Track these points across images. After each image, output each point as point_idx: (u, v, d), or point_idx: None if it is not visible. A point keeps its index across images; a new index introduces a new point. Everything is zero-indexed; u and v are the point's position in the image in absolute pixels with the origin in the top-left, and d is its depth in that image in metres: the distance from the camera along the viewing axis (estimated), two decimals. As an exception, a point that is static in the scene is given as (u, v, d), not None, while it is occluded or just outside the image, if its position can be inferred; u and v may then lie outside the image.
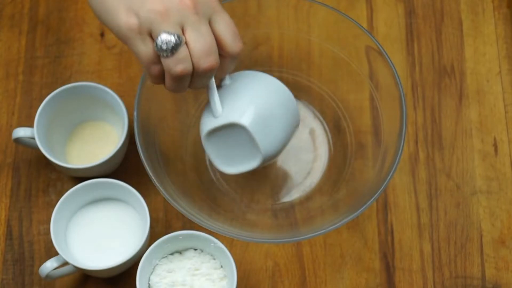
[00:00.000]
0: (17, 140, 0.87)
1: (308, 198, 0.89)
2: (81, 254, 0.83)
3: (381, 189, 0.78)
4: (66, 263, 0.81)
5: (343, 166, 0.89)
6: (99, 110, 0.90)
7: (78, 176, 0.89)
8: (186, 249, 0.83)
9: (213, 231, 0.78)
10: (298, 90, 0.93)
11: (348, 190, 0.86)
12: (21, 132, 0.86)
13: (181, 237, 0.82)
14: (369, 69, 0.87)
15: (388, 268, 0.87)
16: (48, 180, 0.90)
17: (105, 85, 0.88)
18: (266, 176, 0.90)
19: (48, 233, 0.86)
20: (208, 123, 0.77)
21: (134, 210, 0.85)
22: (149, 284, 0.82)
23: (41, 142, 0.85)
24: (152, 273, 0.82)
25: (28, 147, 0.88)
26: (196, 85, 0.71)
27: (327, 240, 0.88)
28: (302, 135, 0.91)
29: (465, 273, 0.86)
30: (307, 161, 0.91)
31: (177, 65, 0.68)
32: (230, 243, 0.86)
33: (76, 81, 0.94)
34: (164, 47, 0.67)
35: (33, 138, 0.85)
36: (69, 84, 0.88)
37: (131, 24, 0.67)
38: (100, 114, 0.91)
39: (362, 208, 0.78)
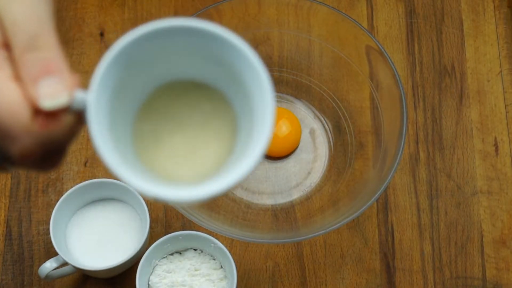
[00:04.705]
0: None
1: (308, 198, 0.89)
2: (81, 254, 0.83)
3: (381, 189, 0.78)
4: (65, 264, 0.81)
5: (343, 166, 0.89)
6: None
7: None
8: (186, 250, 0.83)
9: (213, 231, 0.78)
10: (298, 90, 0.93)
11: (348, 190, 0.86)
12: None
13: (181, 238, 0.82)
14: (369, 69, 0.87)
15: (389, 269, 0.87)
16: (47, 180, 0.90)
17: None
18: (266, 176, 0.90)
19: (48, 233, 0.86)
20: None
21: (134, 210, 0.85)
22: (148, 284, 0.82)
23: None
24: (151, 273, 0.82)
25: None
26: None
27: (327, 240, 0.88)
28: (302, 135, 0.91)
29: (465, 274, 0.86)
30: (307, 161, 0.91)
31: None
32: (230, 243, 0.86)
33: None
34: None
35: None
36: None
37: None
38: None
39: (362, 208, 0.77)
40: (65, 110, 0.41)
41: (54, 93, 0.41)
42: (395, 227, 0.88)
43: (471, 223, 0.88)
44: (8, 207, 0.89)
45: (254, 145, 0.43)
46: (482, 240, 0.88)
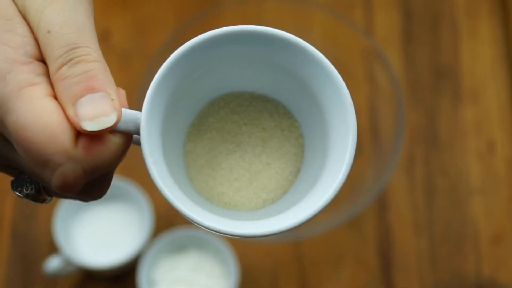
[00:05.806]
0: None
1: (307, 197, 0.89)
2: (85, 253, 0.84)
3: (379, 188, 0.79)
4: (69, 262, 0.82)
5: (341, 165, 0.90)
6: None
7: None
8: (188, 247, 0.84)
9: (214, 229, 0.78)
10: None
11: (347, 189, 0.87)
12: None
13: (183, 235, 0.82)
14: (367, 70, 0.87)
15: (386, 266, 0.87)
16: (51, 180, 0.90)
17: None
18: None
19: (52, 232, 0.87)
20: None
21: (137, 208, 0.86)
22: (151, 281, 0.83)
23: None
24: (154, 270, 0.83)
25: None
26: None
27: (326, 238, 0.88)
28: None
29: (461, 271, 0.87)
30: (306, 161, 0.91)
31: None
32: (231, 240, 0.87)
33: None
34: None
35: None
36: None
37: None
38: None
39: (361, 207, 0.78)
40: (111, 130, 0.35)
41: (98, 113, 0.34)
42: (393, 225, 0.89)
43: (467, 222, 0.89)
44: (14, 206, 0.89)
45: (331, 175, 0.37)
46: (477, 238, 0.89)
